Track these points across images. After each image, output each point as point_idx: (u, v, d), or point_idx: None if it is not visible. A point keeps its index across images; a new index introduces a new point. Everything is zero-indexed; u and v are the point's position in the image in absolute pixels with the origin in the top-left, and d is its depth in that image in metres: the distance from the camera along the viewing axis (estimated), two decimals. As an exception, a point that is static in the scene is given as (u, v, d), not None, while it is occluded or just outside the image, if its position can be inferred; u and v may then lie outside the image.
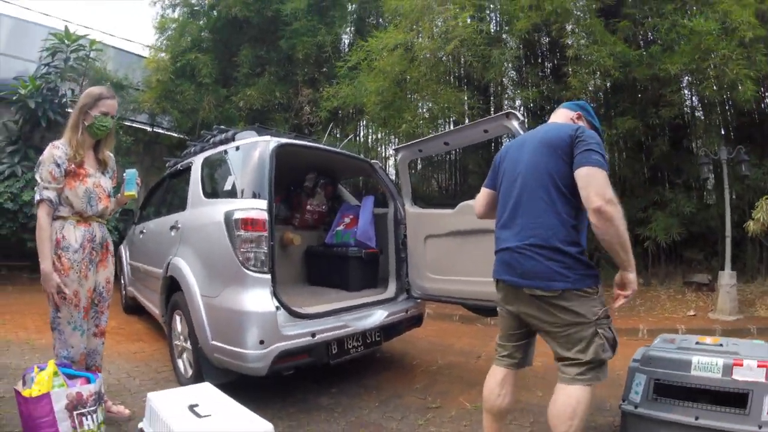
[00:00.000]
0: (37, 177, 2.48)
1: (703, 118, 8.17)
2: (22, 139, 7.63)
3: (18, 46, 9.24)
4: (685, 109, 7.88)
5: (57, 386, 2.19)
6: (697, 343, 2.51)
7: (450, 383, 3.63)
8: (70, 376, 2.32)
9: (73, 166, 2.53)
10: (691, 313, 6.38)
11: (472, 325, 5.95)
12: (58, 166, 2.47)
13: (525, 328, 2.11)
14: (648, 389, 2.38)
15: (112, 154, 2.87)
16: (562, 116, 2.22)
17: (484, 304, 3.29)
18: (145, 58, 9.76)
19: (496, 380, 2.15)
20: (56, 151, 2.49)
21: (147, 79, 9.49)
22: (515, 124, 2.84)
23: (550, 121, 2.24)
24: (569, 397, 1.84)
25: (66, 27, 8.19)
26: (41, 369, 2.25)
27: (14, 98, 7.54)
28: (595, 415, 2.92)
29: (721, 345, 2.44)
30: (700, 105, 8.14)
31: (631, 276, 1.88)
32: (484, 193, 2.36)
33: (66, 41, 8.11)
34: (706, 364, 2.26)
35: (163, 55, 9.27)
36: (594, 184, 1.77)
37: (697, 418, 2.17)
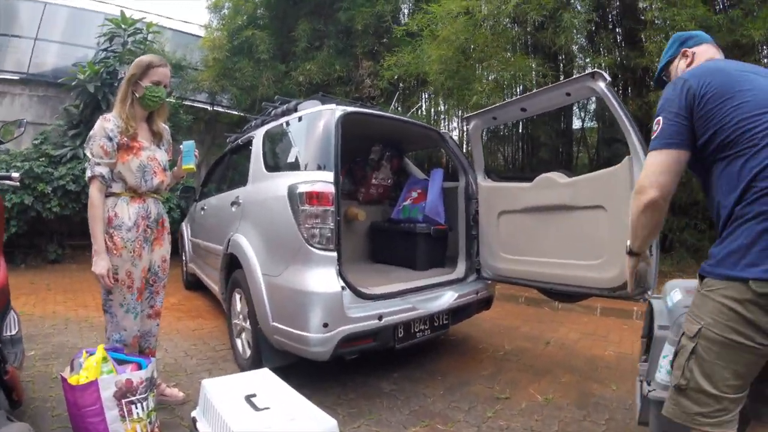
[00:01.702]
0: (88, 152, 2.34)
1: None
2: (83, 123, 7.80)
3: (76, 34, 9.56)
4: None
5: (105, 372, 2.08)
6: None
7: (518, 371, 3.39)
8: (121, 362, 2.21)
9: (125, 139, 2.38)
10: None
11: (538, 307, 5.63)
12: (110, 140, 2.33)
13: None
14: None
15: (167, 126, 2.73)
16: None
17: (562, 288, 3.03)
18: (202, 38, 9.79)
19: None
20: (107, 124, 2.34)
21: (204, 58, 9.53)
22: (602, 85, 2.55)
23: (713, 56, 1.74)
24: None
25: (122, 12, 8.31)
26: (90, 354, 2.15)
27: (73, 83, 7.72)
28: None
29: None
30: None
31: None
32: (672, 160, 1.50)
33: (123, 26, 8.24)
34: None
35: (218, 33, 9.24)
36: None
37: None
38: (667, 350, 1.71)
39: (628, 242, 1.72)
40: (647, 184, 1.51)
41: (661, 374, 1.74)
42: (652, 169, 1.52)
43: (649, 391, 1.73)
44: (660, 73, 1.94)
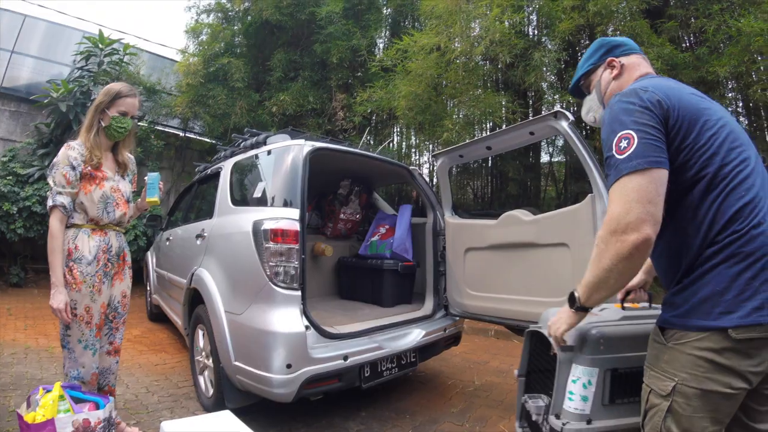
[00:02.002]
0: (50, 181, 2.28)
1: (749, 123, 7.78)
2: (53, 142, 7.66)
3: (52, 50, 9.36)
4: (732, 115, 7.48)
5: (62, 411, 2.01)
6: (624, 308, 1.76)
7: (489, 407, 3.35)
8: (78, 400, 2.13)
9: (89, 168, 2.33)
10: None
11: (508, 341, 5.64)
12: (74, 168, 2.28)
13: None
14: (603, 389, 1.56)
15: (132, 156, 2.67)
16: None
17: (527, 325, 3.03)
18: (178, 62, 9.77)
19: None
20: (71, 152, 2.30)
21: (179, 83, 9.49)
22: (564, 125, 2.59)
23: (647, 71, 1.57)
24: None
25: (100, 31, 8.27)
26: (47, 391, 2.07)
27: (46, 101, 7.59)
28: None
29: (651, 307, 1.79)
30: (745, 110, 7.73)
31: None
32: (659, 182, 1.23)
33: (100, 45, 8.18)
34: None
35: (194, 59, 9.23)
36: None
37: None
38: (579, 372, 1.54)
39: (578, 293, 1.40)
40: (635, 219, 1.19)
41: (574, 402, 1.53)
42: (635, 197, 1.21)
43: (564, 425, 1.52)
44: (577, 81, 1.73)
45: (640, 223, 1.18)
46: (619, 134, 1.28)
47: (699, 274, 1.24)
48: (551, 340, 1.55)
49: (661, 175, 1.22)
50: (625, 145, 1.25)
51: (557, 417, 1.56)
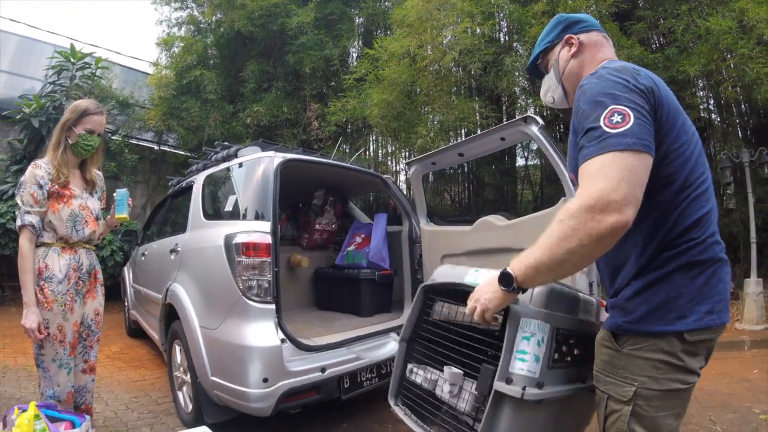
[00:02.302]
0: (18, 200, 2.26)
1: (721, 121, 7.97)
2: (26, 158, 7.49)
3: (24, 64, 9.23)
4: (702, 113, 7.67)
5: (38, 431, 1.98)
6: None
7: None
8: (54, 419, 2.10)
9: (56, 187, 2.31)
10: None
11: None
12: (41, 187, 2.26)
13: None
14: (550, 349, 1.38)
15: (100, 173, 2.65)
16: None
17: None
18: (150, 75, 9.67)
19: None
20: (38, 171, 2.27)
21: (152, 96, 9.39)
22: (534, 129, 2.63)
23: (611, 56, 1.48)
24: None
25: (72, 45, 8.15)
26: (22, 411, 2.04)
27: (18, 117, 7.46)
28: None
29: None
30: (717, 108, 7.95)
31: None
32: (647, 168, 1.13)
33: (72, 59, 8.08)
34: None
35: (167, 72, 9.15)
36: None
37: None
38: (533, 328, 1.36)
39: (516, 273, 1.26)
40: (621, 198, 1.06)
41: (528, 364, 1.33)
42: (626, 176, 1.08)
43: (524, 390, 1.29)
44: (535, 60, 1.61)
45: (625, 205, 1.06)
46: (612, 107, 1.15)
47: (653, 279, 1.23)
48: (475, 317, 1.35)
49: (650, 164, 1.12)
50: (619, 120, 1.13)
51: (508, 382, 1.33)
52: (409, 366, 1.74)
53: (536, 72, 1.64)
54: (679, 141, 1.22)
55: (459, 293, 1.60)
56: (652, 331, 1.22)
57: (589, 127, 1.17)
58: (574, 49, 1.47)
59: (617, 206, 1.05)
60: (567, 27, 1.51)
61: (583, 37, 1.47)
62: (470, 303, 1.36)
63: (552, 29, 1.55)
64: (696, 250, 1.21)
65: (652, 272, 1.23)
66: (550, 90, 1.58)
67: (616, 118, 1.13)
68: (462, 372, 1.54)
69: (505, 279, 1.28)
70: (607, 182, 1.07)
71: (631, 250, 1.28)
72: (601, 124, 1.14)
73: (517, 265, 1.27)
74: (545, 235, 1.20)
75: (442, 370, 1.60)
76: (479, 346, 1.51)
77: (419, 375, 1.67)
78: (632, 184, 1.08)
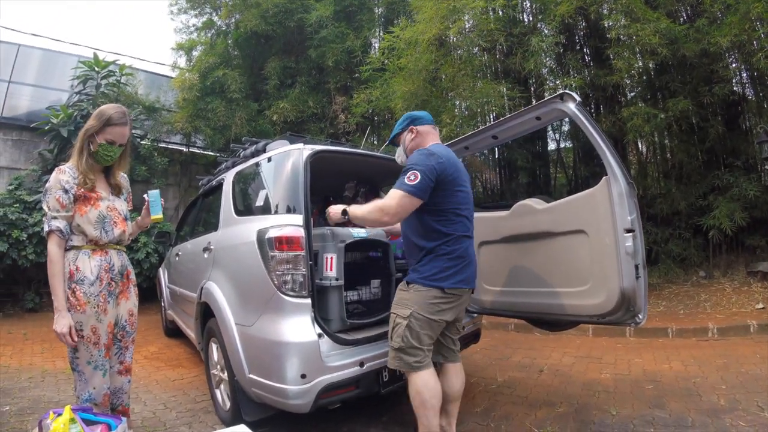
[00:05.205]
0: (45, 206, 2.24)
1: (756, 94, 7.58)
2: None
3: (49, 76, 9.42)
4: (736, 87, 7.31)
5: None
6: None
7: (513, 404, 3.29)
8: (89, 422, 2.07)
9: (82, 190, 2.29)
10: (760, 306, 5.73)
11: (529, 333, 5.54)
12: (66, 192, 2.23)
13: None
14: None
15: (125, 175, 2.63)
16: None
17: (549, 317, 2.96)
18: (173, 78, 9.78)
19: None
20: (62, 176, 2.25)
21: (177, 99, 9.51)
22: (571, 106, 2.51)
23: (435, 141, 2.56)
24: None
25: (95, 54, 8.27)
26: (57, 415, 2.01)
27: (47, 128, 7.61)
28: None
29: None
30: (749, 80, 7.54)
31: None
32: (413, 206, 2.30)
33: (96, 68, 8.21)
34: None
35: (189, 74, 9.22)
36: None
37: None
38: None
39: (346, 210, 2.44)
40: (393, 215, 2.27)
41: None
42: (402, 207, 2.25)
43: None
44: (393, 138, 2.69)
45: (391, 218, 2.29)
46: (413, 170, 2.25)
47: (430, 258, 2.35)
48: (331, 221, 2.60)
49: (417, 203, 2.28)
50: (413, 178, 2.24)
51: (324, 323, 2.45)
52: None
53: (395, 143, 2.73)
54: (453, 190, 2.36)
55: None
56: (428, 284, 2.31)
57: (404, 170, 2.32)
58: (413, 136, 2.56)
59: (388, 217, 2.29)
60: (411, 121, 2.58)
61: (420, 128, 2.55)
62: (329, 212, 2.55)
63: (402, 122, 2.62)
64: (450, 247, 2.35)
65: (429, 254, 2.36)
66: (400, 155, 2.70)
67: (411, 176, 2.25)
68: None
69: (345, 213, 2.45)
70: (394, 204, 2.26)
71: (421, 242, 2.39)
72: (406, 177, 2.27)
73: (351, 210, 2.43)
74: (367, 207, 2.38)
75: None
76: None
77: None
78: (401, 212, 2.30)
